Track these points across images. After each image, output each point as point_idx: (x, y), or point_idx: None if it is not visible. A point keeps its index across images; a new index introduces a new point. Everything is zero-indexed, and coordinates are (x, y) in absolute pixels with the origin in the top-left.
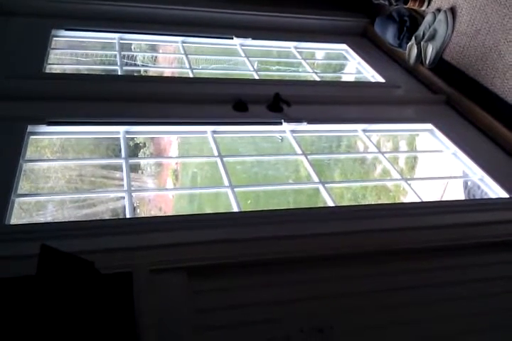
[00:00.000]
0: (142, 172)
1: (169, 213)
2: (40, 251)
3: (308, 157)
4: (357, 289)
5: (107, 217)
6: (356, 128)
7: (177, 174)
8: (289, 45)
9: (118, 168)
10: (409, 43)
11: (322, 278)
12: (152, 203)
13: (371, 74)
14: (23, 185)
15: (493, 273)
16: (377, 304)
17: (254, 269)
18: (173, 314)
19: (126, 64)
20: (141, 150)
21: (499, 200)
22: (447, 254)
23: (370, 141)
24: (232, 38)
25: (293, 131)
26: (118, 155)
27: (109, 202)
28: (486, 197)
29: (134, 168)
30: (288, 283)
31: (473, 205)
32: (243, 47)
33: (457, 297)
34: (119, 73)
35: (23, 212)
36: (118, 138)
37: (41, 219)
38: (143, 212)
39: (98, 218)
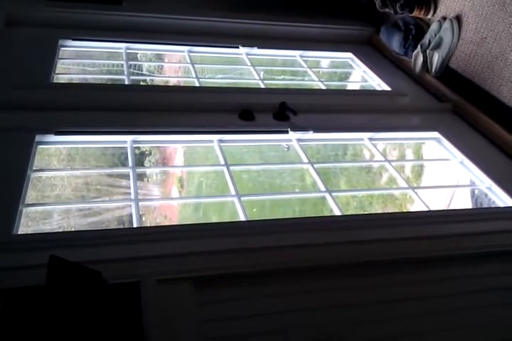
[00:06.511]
0: (148, 181)
1: (175, 221)
2: (48, 261)
3: (315, 165)
4: (364, 299)
5: (113, 226)
6: (362, 136)
7: (182, 182)
8: (295, 54)
9: (124, 176)
10: (415, 51)
11: (329, 288)
12: (158, 211)
13: (377, 83)
14: (30, 194)
15: (503, 283)
16: (386, 315)
17: (261, 279)
18: (181, 324)
19: (133, 73)
20: (147, 158)
21: (508, 209)
22: (455, 264)
23: (377, 149)
24: (238, 47)
25: (299, 140)
26: (124, 163)
27: (115, 210)
28: (493, 205)
29: (140, 177)
30: (295, 293)
31: (482, 214)
32: (249, 56)
33: (468, 307)
34: (126, 82)
35: (29, 221)
36: (125, 147)
37: (47, 228)
38: (148, 220)
39: (104, 226)
